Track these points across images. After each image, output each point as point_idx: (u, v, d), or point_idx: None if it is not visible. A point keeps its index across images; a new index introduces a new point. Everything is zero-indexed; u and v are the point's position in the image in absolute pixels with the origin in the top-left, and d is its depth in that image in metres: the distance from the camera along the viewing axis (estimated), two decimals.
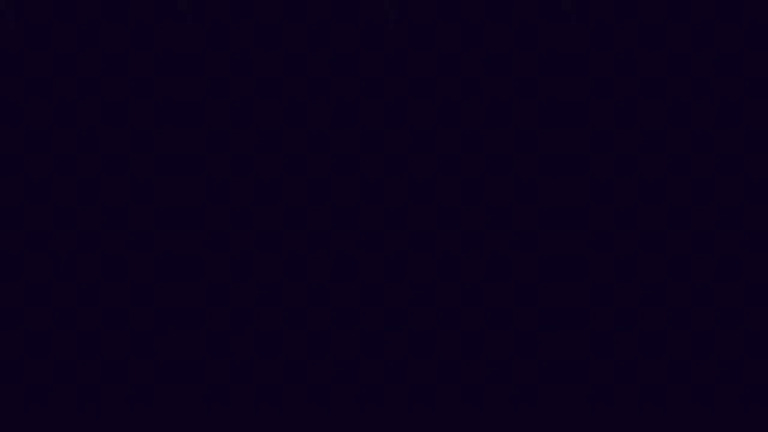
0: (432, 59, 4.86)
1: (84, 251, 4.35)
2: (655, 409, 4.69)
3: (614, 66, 4.79)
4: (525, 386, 4.69)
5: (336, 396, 3.28)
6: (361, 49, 4.80)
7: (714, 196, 4.75)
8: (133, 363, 3.23)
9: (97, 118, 4.58)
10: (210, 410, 3.19)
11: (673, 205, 4.77)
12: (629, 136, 4.81)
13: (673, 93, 4.76)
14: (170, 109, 4.19)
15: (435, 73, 4.87)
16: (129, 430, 3.31)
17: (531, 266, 4.79)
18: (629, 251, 4.75)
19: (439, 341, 4.41)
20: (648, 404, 4.70)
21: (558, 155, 4.85)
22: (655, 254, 4.75)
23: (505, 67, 4.86)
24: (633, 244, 4.76)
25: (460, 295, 4.55)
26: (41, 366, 4.35)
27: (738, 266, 4.69)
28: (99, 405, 4.09)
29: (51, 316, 4.34)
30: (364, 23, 4.81)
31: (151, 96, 4.40)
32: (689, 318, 4.71)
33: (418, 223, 4.76)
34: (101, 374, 4.12)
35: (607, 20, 4.79)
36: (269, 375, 3.19)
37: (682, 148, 4.78)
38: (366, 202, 4.65)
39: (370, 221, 4.67)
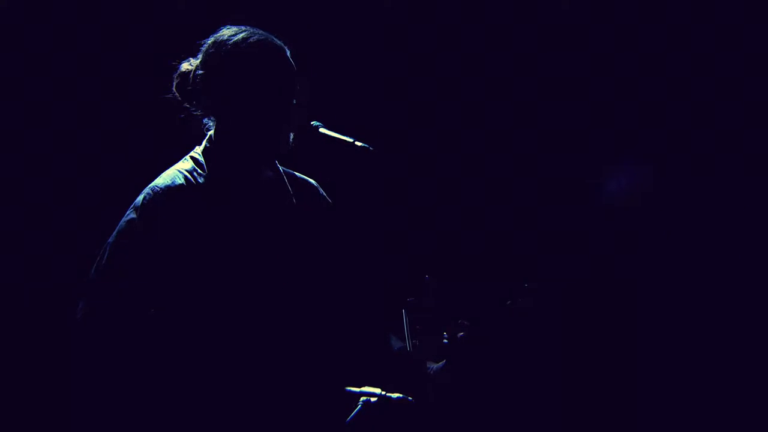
0: (431, 59, 4.86)
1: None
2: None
3: (614, 66, 4.80)
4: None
5: None
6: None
7: (712, 195, 4.76)
8: None
9: (96, 118, 4.57)
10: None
11: (676, 203, 4.78)
12: (629, 136, 4.82)
13: (672, 93, 4.77)
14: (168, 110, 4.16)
15: (434, 73, 4.86)
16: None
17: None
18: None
19: None
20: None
21: (556, 155, 4.86)
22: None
23: (505, 67, 4.85)
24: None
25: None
26: None
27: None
28: None
29: None
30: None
31: (150, 96, 4.37)
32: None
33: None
34: None
35: (607, 20, 4.79)
36: None
37: (681, 147, 4.78)
38: (365, 204, 4.64)
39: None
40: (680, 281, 4.72)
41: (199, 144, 3.11)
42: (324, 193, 3.27)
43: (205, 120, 3.13)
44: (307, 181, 3.25)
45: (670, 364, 4.70)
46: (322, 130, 3.09)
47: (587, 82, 4.84)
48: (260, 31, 3.09)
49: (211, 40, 3.08)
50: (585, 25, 4.83)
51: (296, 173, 3.24)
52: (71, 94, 4.55)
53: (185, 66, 3.11)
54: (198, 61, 3.08)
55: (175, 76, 3.12)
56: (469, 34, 4.87)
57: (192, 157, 3.07)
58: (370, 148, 3.02)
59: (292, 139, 3.10)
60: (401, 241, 4.70)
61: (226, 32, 3.08)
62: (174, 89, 3.12)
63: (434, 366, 3.05)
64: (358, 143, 3.04)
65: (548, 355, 4.54)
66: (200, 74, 3.04)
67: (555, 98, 4.87)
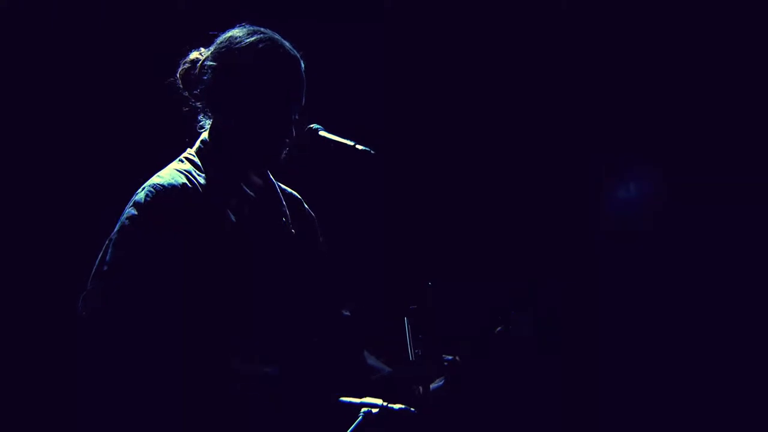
0: (429, 61, 4.85)
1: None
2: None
3: (614, 66, 4.79)
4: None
5: None
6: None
7: (713, 196, 4.76)
8: None
9: (95, 119, 4.56)
10: None
11: (678, 204, 4.78)
12: (628, 137, 4.82)
13: (672, 94, 4.77)
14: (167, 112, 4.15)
15: (432, 73, 4.86)
16: None
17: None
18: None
19: None
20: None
21: (554, 156, 4.86)
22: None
23: (504, 68, 4.85)
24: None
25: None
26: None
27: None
28: None
29: None
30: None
31: (149, 97, 4.37)
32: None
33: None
34: None
35: (607, 20, 4.79)
36: None
37: (680, 148, 4.79)
38: (366, 208, 4.64)
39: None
40: (681, 282, 4.73)
41: (191, 146, 3.01)
42: (307, 207, 3.22)
43: (200, 118, 3.04)
44: (292, 194, 3.19)
45: (671, 366, 4.70)
46: (322, 133, 3.01)
47: (587, 82, 4.84)
48: (277, 37, 3.00)
49: (226, 35, 2.99)
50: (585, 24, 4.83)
51: (281, 185, 3.16)
52: (68, 92, 4.55)
53: (195, 54, 3.03)
54: (209, 53, 2.99)
55: (183, 62, 3.04)
56: (469, 34, 4.86)
57: (187, 158, 2.98)
58: (372, 152, 2.94)
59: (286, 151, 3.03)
60: (403, 245, 4.69)
61: (242, 31, 2.99)
62: (178, 75, 3.04)
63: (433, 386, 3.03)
64: (359, 146, 2.95)
65: (549, 358, 4.55)
66: (208, 66, 2.96)
67: (556, 99, 4.87)
